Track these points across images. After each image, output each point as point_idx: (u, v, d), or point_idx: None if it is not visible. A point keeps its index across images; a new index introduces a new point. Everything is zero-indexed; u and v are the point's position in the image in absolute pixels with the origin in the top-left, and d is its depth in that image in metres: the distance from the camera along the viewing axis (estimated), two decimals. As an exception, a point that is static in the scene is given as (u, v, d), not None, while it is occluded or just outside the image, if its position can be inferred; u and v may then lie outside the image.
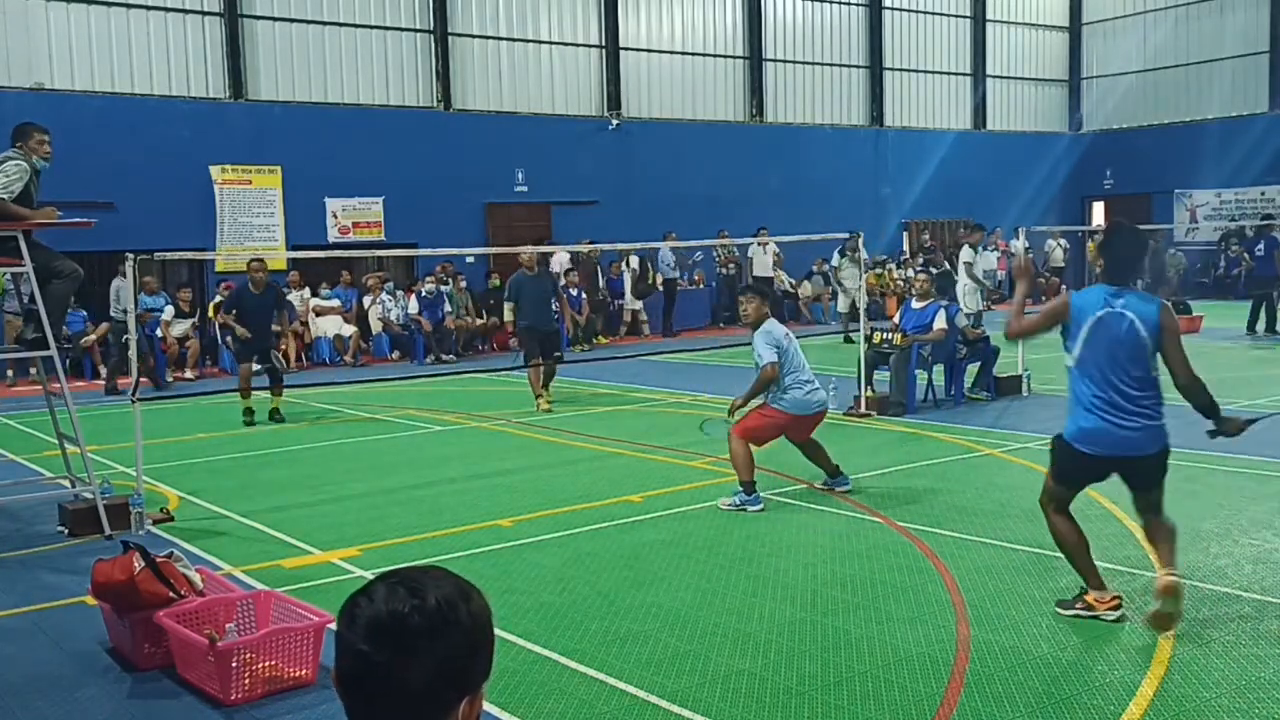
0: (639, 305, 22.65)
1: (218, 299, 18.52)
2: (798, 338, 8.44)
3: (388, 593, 1.61)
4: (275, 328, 13.84)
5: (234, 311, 13.28)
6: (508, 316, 14.43)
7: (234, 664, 4.90)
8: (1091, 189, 31.90)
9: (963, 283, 16.54)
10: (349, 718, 1.64)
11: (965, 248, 17.03)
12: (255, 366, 12.94)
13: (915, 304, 12.84)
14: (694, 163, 24.47)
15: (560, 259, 20.95)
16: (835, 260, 20.75)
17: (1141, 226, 24.33)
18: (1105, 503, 7.77)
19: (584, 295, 21.28)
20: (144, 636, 5.25)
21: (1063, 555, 5.73)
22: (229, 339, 14.65)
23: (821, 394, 8.26)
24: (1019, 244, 14.84)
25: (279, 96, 20.42)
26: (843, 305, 19.99)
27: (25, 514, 8.53)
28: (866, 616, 5.64)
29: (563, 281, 20.24)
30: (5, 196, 7.42)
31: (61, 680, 5.21)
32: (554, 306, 14.19)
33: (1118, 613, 5.46)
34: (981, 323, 14.66)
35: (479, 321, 20.41)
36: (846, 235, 13.33)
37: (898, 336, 12.49)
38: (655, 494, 8.52)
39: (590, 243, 19.25)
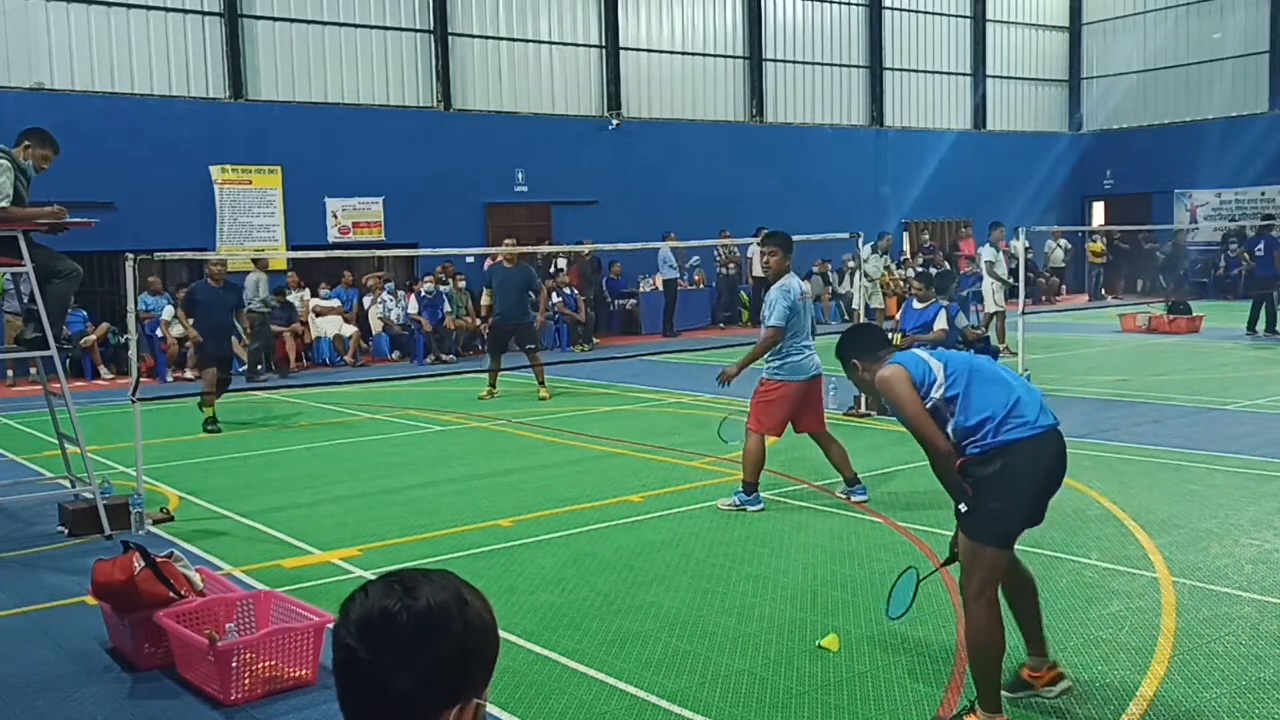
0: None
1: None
2: None
3: (383, 590, 1.61)
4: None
5: (190, 308, 13.23)
6: (484, 301, 14.90)
7: (234, 664, 4.89)
8: (1091, 189, 31.91)
9: (987, 281, 16.73)
10: (343, 715, 1.63)
11: (987, 245, 17.19)
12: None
13: (916, 304, 12.83)
14: (694, 163, 24.48)
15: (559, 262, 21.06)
16: (864, 253, 20.73)
17: (1142, 227, 23.93)
18: (1105, 502, 7.77)
19: (578, 295, 21.29)
20: (144, 636, 5.25)
21: (982, 664, 4.28)
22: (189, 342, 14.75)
23: (817, 358, 8.05)
24: (1019, 244, 14.88)
25: (279, 96, 20.42)
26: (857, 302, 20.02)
27: (25, 514, 8.53)
28: (866, 616, 5.64)
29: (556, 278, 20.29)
30: (2, 202, 7.41)
31: (61, 680, 5.21)
32: (531, 298, 14.32)
33: None
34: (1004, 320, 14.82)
35: (479, 321, 20.41)
36: (846, 235, 13.32)
37: (897, 337, 12.49)
38: (655, 494, 8.52)
39: (580, 243, 19.31)
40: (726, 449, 8.83)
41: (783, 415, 7.95)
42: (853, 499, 8.06)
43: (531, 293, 14.33)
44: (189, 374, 17.45)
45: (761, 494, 7.97)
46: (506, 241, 14.56)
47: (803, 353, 7.93)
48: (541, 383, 13.90)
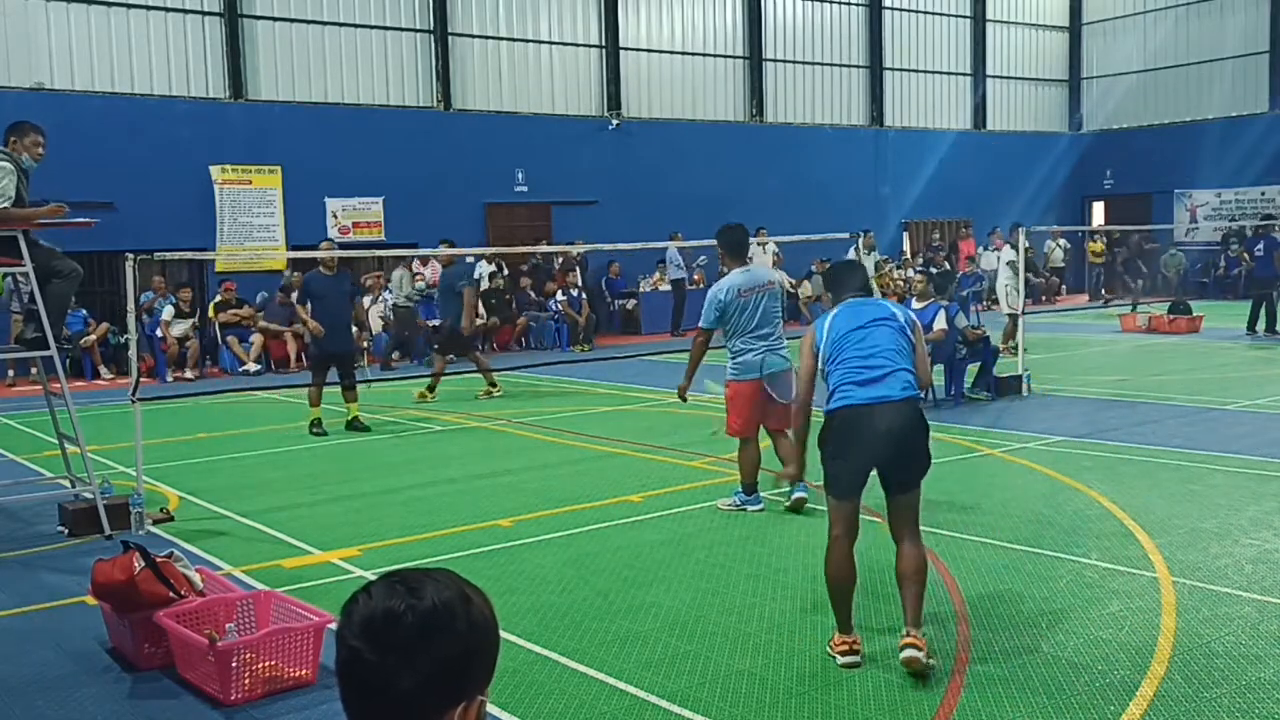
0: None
1: (218, 298, 18.54)
2: (795, 337, 8.25)
3: (386, 590, 1.61)
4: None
5: (307, 303, 11.82)
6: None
7: (234, 664, 4.90)
8: (1091, 189, 31.90)
9: (1004, 281, 16.85)
10: (346, 715, 1.63)
11: (1007, 247, 17.32)
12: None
13: (915, 304, 12.84)
14: (694, 163, 24.46)
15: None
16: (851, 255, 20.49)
17: (1142, 227, 24.04)
18: (1105, 502, 7.78)
19: (584, 296, 21.32)
20: (144, 636, 5.25)
21: (829, 591, 5.18)
22: (306, 342, 13.08)
23: (777, 357, 7.70)
24: (1019, 244, 14.91)
25: (279, 96, 20.41)
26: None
27: (25, 514, 8.53)
28: (866, 616, 5.63)
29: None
30: (4, 203, 7.41)
31: (61, 680, 5.21)
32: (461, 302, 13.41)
33: (848, 659, 5.02)
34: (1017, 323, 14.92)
35: (479, 322, 20.37)
36: (848, 235, 13.32)
37: None
38: (655, 494, 8.52)
39: (571, 243, 19.33)
40: (727, 449, 8.81)
41: (745, 416, 7.77)
42: (793, 495, 7.77)
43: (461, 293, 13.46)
44: (188, 374, 17.45)
45: (761, 494, 7.95)
46: (443, 244, 14.41)
47: (750, 350, 7.69)
48: (431, 390, 13.98)
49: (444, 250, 14.56)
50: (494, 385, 14.17)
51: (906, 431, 5.02)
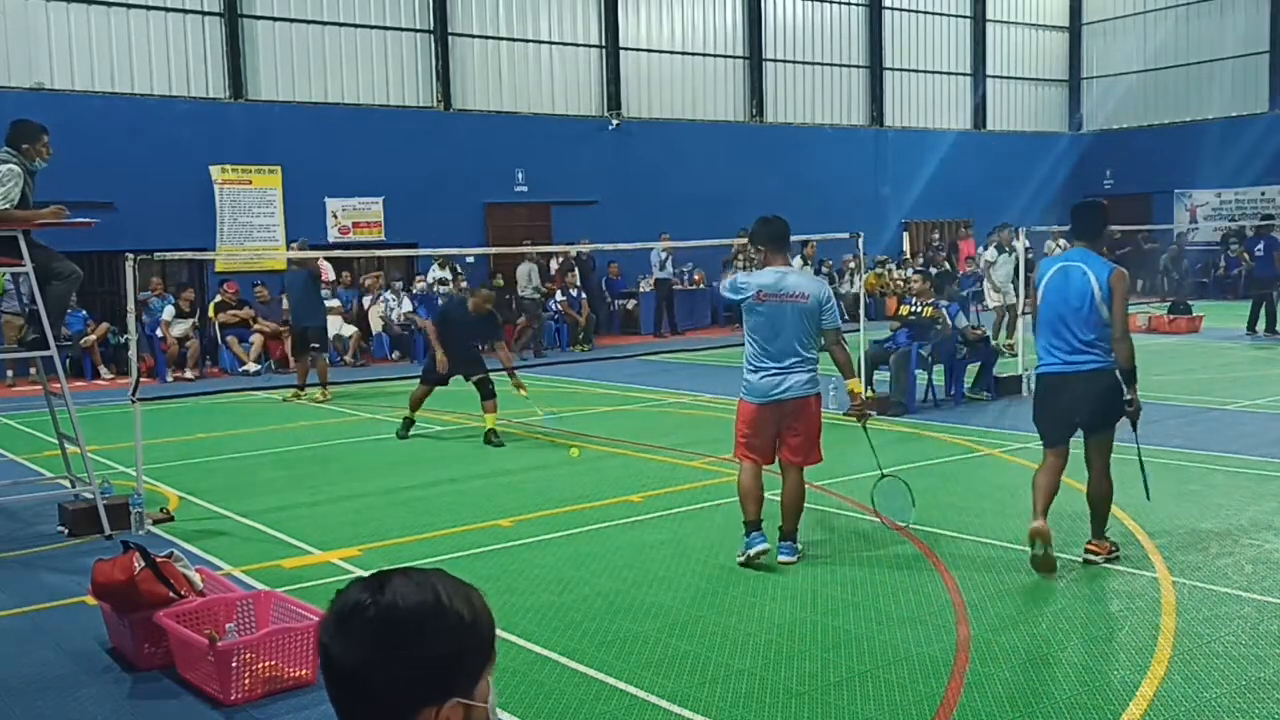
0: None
1: (219, 298, 18.54)
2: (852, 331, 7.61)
3: (359, 586, 1.62)
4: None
5: (439, 326, 11.46)
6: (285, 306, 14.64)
7: (234, 664, 4.89)
8: (1091, 189, 31.86)
9: (993, 281, 17.01)
10: (334, 709, 1.65)
11: (991, 248, 17.47)
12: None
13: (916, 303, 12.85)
14: (694, 163, 24.45)
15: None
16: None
17: (1142, 227, 24.01)
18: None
19: (583, 295, 21.32)
20: (144, 636, 5.25)
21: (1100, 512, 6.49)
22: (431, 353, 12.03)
23: (786, 380, 6.47)
24: (1018, 244, 14.94)
25: (279, 96, 20.42)
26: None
27: (25, 514, 8.53)
28: (866, 616, 5.64)
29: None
30: (7, 206, 7.41)
31: (61, 680, 5.21)
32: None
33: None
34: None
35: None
36: (846, 235, 13.28)
37: (928, 309, 12.52)
38: (655, 494, 8.52)
39: (570, 244, 19.36)
40: (727, 448, 8.80)
41: (744, 437, 6.65)
42: (780, 557, 6.58)
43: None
44: (188, 374, 17.44)
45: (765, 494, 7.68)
46: (295, 244, 14.76)
47: (760, 371, 6.55)
48: (324, 385, 14.29)
49: (294, 252, 14.71)
50: (301, 390, 14.38)
51: (1090, 396, 6.20)
